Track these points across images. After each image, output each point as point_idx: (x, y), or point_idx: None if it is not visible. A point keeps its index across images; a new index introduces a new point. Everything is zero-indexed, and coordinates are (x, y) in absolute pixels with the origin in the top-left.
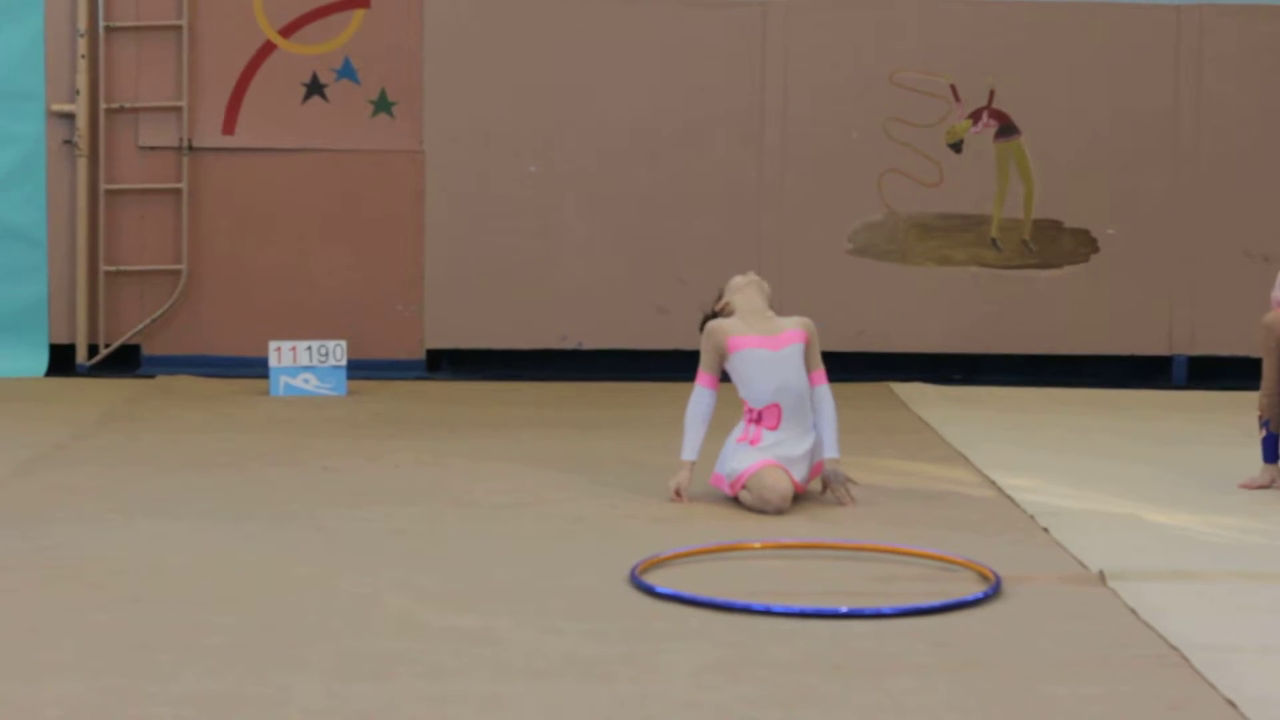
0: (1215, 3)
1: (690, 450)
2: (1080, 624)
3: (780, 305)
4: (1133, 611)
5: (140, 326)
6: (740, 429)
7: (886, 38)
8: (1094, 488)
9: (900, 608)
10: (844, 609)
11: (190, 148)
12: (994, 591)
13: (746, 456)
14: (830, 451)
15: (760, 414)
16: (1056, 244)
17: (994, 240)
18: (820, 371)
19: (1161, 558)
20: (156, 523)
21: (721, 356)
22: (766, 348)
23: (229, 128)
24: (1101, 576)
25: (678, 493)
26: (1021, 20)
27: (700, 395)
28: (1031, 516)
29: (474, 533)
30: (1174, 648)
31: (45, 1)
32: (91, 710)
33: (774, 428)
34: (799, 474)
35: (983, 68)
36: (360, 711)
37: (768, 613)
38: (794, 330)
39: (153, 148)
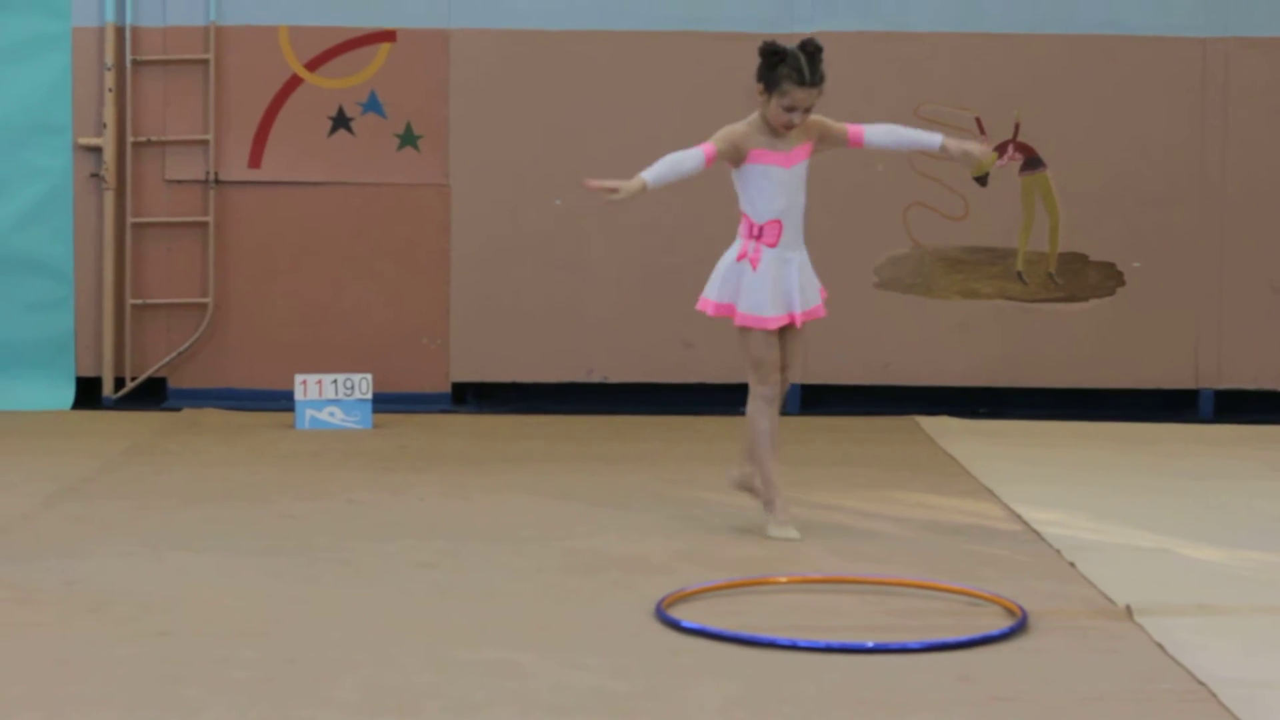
0: (1241, 35)
1: (653, 175)
2: (1107, 659)
3: (806, 337)
4: (1160, 646)
5: (167, 360)
6: (737, 246)
7: (912, 71)
8: (1121, 522)
9: (926, 642)
10: (870, 644)
11: (217, 181)
12: (1020, 626)
13: (752, 289)
14: (931, 140)
15: (761, 229)
16: (1082, 277)
17: (1019, 273)
18: (855, 127)
19: (1189, 592)
20: (183, 556)
21: (736, 159)
22: (780, 165)
23: (255, 161)
24: (1129, 611)
25: (609, 189)
26: (1047, 53)
27: (693, 153)
28: (1058, 551)
29: (499, 566)
30: (1201, 683)
31: (73, 36)
32: None
33: (773, 244)
34: (796, 304)
35: (1008, 101)
36: None
37: (793, 647)
38: (802, 146)
39: (179, 181)
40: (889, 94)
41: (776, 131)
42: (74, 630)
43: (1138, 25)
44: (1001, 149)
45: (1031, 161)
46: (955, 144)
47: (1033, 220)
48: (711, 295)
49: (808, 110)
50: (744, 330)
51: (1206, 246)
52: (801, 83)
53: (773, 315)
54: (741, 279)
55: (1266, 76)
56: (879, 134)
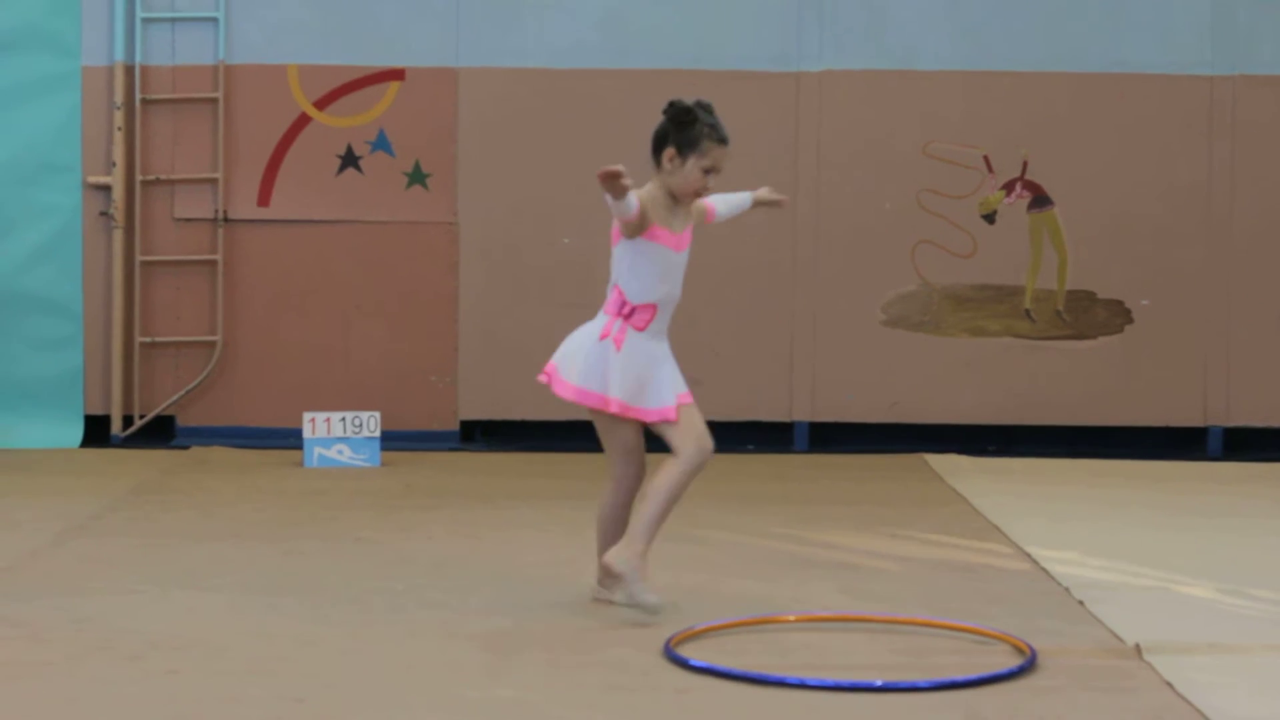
0: (1249, 73)
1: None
2: (1117, 697)
3: (814, 375)
4: (1170, 685)
5: (175, 398)
6: (601, 323)
7: (920, 109)
8: (1130, 560)
9: (935, 681)
10: (879, 682)
11: (225, 219)
12: (1029, 665)
13: (604, 364)
14: (742, 200)
15: (634, 310)
16: (1090, 315)
17: (1028, 311)
18: (707, 202)
19: (1199, 630)
20: (191, 594)
21: (637, 230)
22: (672, 248)
23: (264, 199)
24: (1138, 649)
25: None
26: (1055, 91)
27: (630, 198)
28: (1067, 589)
29: (509, 604)
30: None
31: (82, 75)
32: None
33: (641, 329)
34: (645, 401)
35: (1016, 139)
36: None
37: (802, 686)
38: (688, 227)
39: (188, 219)
40: (897, 132)
41: (671, 208)
42: (82, 669)
43: (1145, 63)
44: (1009, 187)
45: (1039, 199)
46: (762, 193)
47: (1041, 258)
48: (572, 378)
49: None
50: (612, 417)
51: (1215, 284)
52: (722, 140)
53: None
54: (608, 362)
55: (1273, 114)
56: (720, 205)
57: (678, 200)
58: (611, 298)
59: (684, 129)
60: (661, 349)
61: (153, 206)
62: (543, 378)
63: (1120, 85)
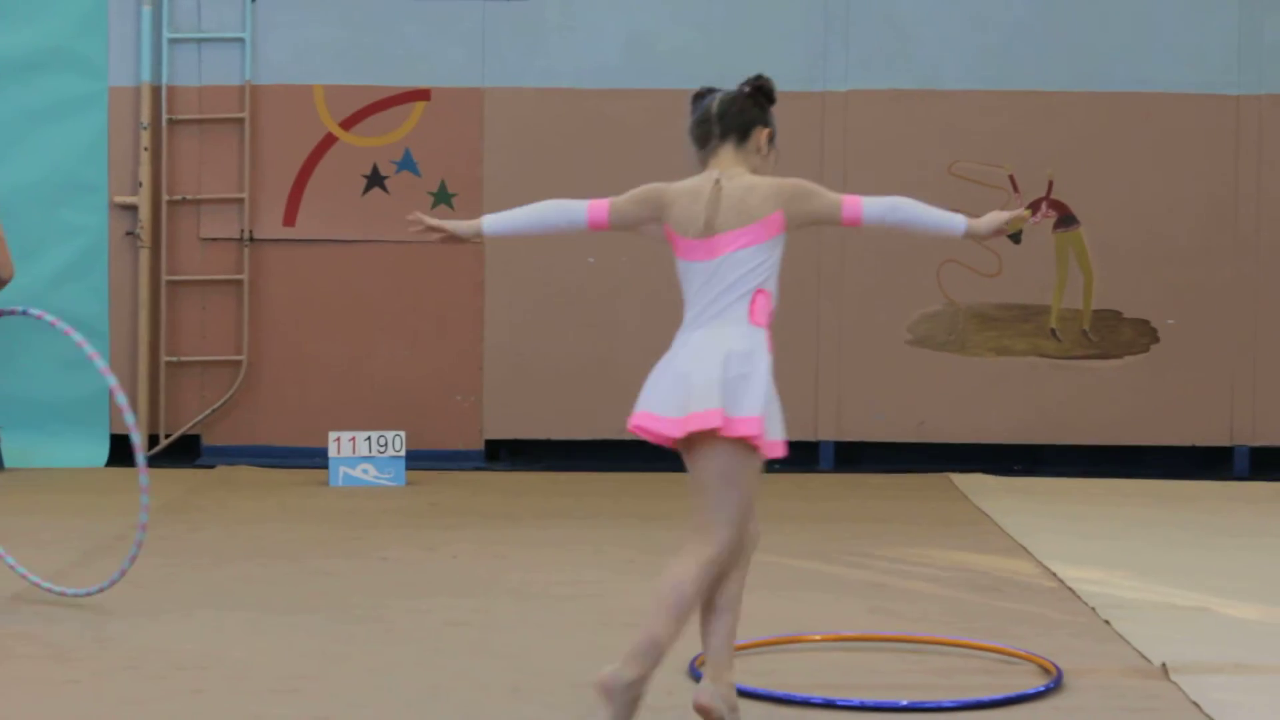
0: (1276, 93)
1: (493, 223)
2: (1143, 717)
3: (840, 394)
4: (1196, 705)
5: (201, 417)
6: (764, 339)
7: (945, 129)
8: (1156, 579)
9: (961, 701)
10: (904, 702)
11: (251, 239)
12: (1055, 685)
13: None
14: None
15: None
16: (1116, 334)
17: (1053, 330)
18: (846, 200)
19: (1225, 650)
20: (216, 613)
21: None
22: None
23: (290, 219)
24: (1164, 669)
25: (429, 227)
26: (1080, 111)
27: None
28: (1093, 609)
29: (534, 624)
30: None
31: (109, 95)
32: None
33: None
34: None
35: (1042, 158)
36: None
37: (829, 705)
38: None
39: (214, 239)
40: (923, 152)
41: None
42: (108, 688)
43: (1171, 83)
44: (1035, 206)
45: (1065, 219)
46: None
47: (1066, 277)
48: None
49: None
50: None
51: (1241, 303)
52: None
53: None
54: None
55: None
56: (877, 209)
57: None
58: (759, 306)
59: (768, 110)
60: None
61: (179, 226)
62: (773, 450)
63: (1146, 104)
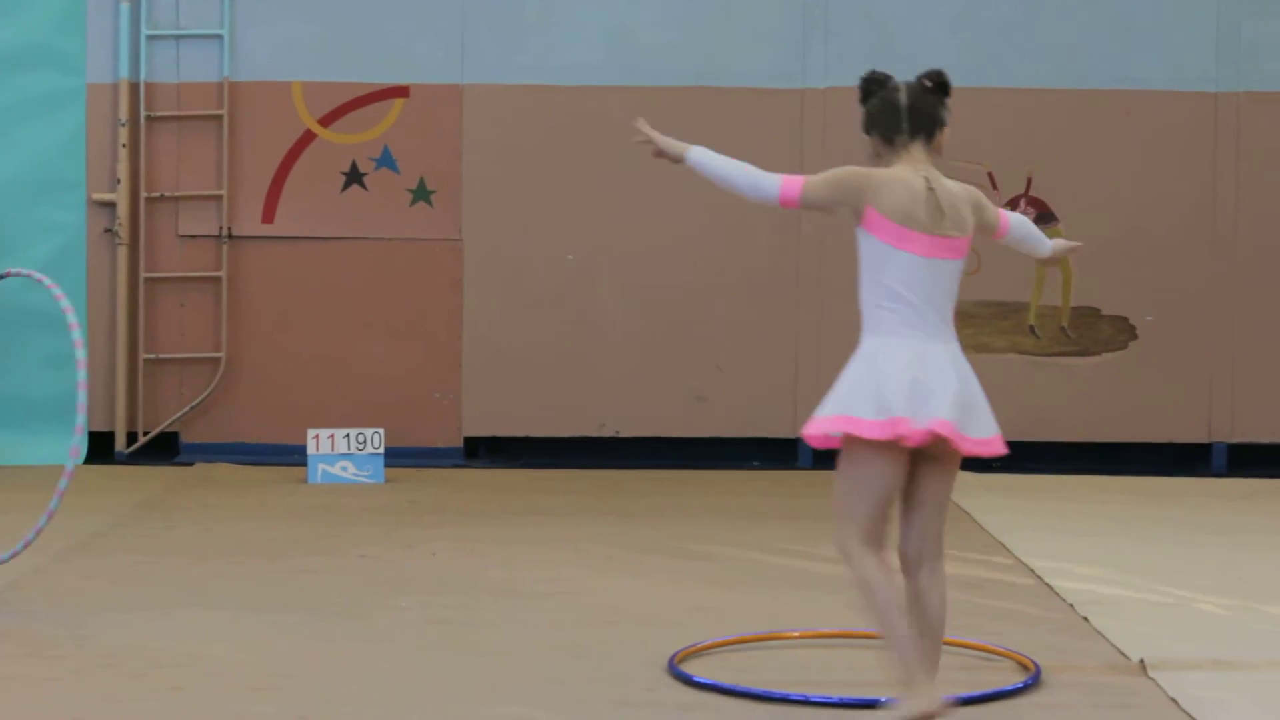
0: (1254, 90)
1: (698, 157)
2: (1121, 714)
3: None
4: (1174, 701)
5: (179, 414)
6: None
7: None
8: (1134, 576)
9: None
10: (883, 698)
11: (230, 236)
12: (1034, 681)
13: None
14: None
15: None
16: (1095, 331)
17: (1032, 327)
18: (1001, 213)
19: (1203, 647)
20: (195, 611)
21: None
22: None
23: (268, 216)
24: (1142, 666)
25: (648, 136)
26: (1059, 108)
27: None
28: (1071, 605)
29: (512, 621)
30: None
31: (87, 92)
32: None
33: None
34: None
35: (1020, 155)
36: None
37: (806, 702)
38: None
39: (193, 236)
40: None
41: None
42: (87, 685)
43: (1150, 80)
44: (1014, 203)
45: (1044, 216)
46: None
47: (1045, 274)
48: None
49: None
50: None
51: (1219, 300)
52: None
53: None
54: None
55: (1278, 130)
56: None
57: None
58: (951, 316)
59: (947, 107)
60: None
61: (157, 223)
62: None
63: (1125, 102)
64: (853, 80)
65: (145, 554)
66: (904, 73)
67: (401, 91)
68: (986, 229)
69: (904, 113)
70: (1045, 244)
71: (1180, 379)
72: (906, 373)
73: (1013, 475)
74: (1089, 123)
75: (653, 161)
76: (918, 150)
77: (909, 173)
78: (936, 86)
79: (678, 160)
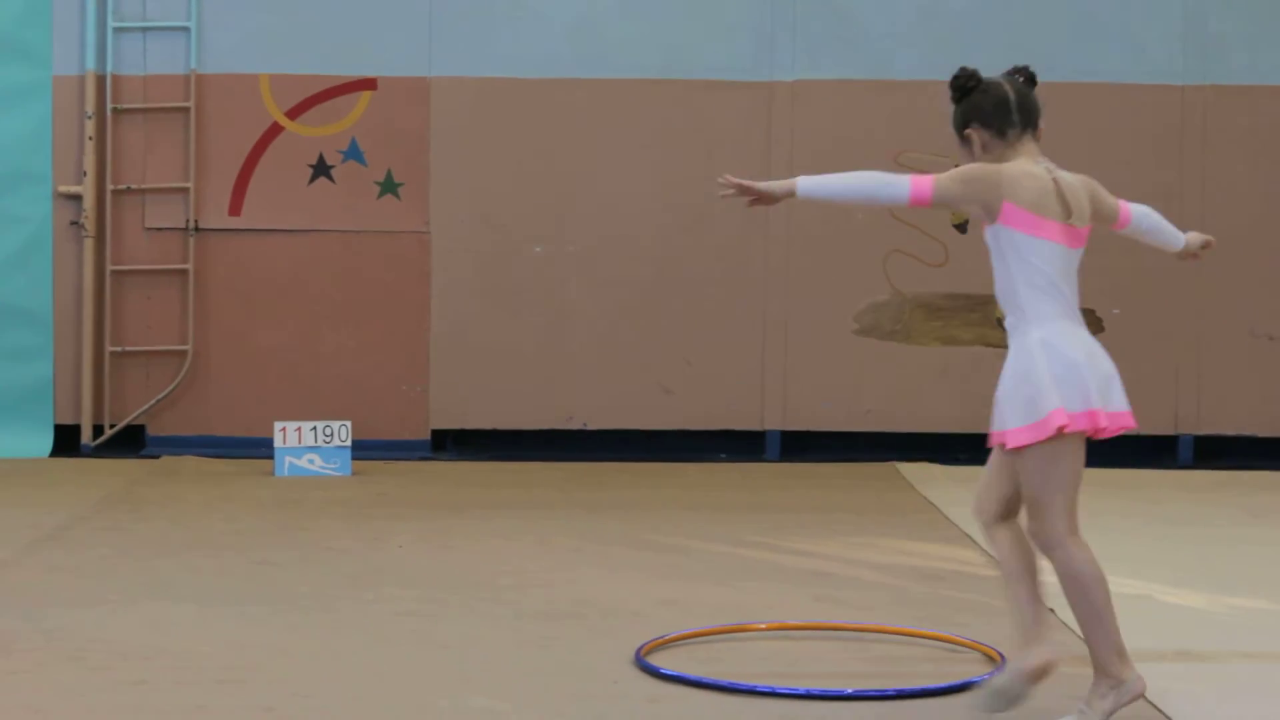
0: (1219, 83)
1: (809, 186)
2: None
3: (785, 384)
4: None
5: (146, 407)
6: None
7: (891, 119)
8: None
9: (906, 689)
10: (850, 690)
11: (197, 229)
12: (1000, 672)
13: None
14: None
15: None
16: None
17: (999, 320)
18: (1120, 203)
19: (1169, 638)
20: (161, 604)
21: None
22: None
23: (235, 209)
24: None
25: (741, 188)
26: None
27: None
28: None
29: (479, 614)
30: None
31: (53, 84)
32: None
33: None
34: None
35: None
36: None
37: (773, 694)
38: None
39: (159, 229)
40: (870, 142)
41: None
42: (51, 678)
43: (1116, 73)
44: None
45: None
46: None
47: None
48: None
49: None
50: None
51: (1185, 293)
52: None
53: None
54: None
55: (1244, 123)
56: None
57: None
58: None
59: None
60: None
61: (124, 216)
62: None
63: (1092, 95)
64: (821, 73)
65: (111, 547)
66: (872, 65)
67: (369, 84)
68: (1105, 218)
69: (1013, 108)
70: (1178, 238)
71: (1147, 371)
72: (1090, 362)
73: (979, 468)
74: (1055, 116)
75: (620, 152)
76: (1029, 145)
77: (1032, 165)
78: (1029, 80)
79: (787, 196)
